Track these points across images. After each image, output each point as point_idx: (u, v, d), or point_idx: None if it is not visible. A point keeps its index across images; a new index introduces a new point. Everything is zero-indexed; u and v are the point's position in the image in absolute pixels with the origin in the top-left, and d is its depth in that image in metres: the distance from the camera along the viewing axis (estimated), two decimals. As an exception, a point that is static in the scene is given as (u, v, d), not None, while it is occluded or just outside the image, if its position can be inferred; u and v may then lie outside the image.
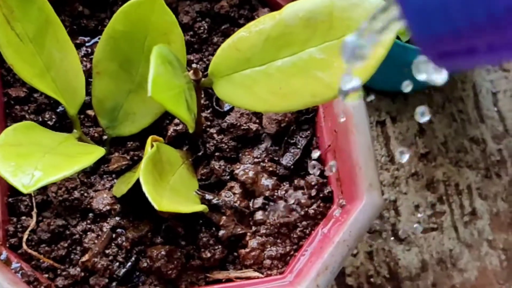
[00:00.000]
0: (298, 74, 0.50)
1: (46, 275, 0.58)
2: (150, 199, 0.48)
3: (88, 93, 0.63)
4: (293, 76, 0.51)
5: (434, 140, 0.85)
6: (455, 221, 0.82)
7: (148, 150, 0.54)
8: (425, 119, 0.49)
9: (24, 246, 0.58)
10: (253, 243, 0.59)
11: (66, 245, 0.59)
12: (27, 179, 0.46)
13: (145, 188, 0.49)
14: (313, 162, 0.62)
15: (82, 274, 0.58)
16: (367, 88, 0.86)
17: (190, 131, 0.50)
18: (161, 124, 0.64)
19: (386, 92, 0.86)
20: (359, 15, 0.49)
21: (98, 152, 0.53)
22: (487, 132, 0.87)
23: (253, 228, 0.60)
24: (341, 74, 0.48)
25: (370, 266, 0.79)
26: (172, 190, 0.55)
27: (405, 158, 0.56)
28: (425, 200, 0.82)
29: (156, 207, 0.48)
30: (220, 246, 0.59)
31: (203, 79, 0.54)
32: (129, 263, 0.58)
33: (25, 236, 0.58)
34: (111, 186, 0.62)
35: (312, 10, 0.50)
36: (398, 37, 0.68)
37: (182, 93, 0.48)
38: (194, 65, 0.52)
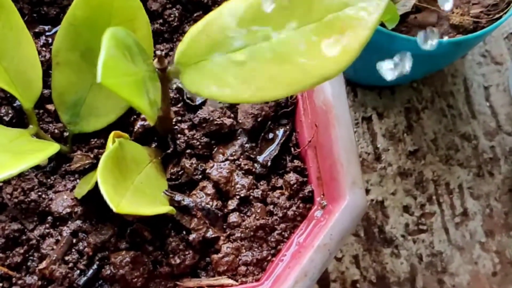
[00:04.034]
0: (274, 60, 0.46)
1: (0, 284, 0.54)
2: (107, 199, 0.44)
3: (48, 86, 0.59)
4: (268, 63, 0.46)
5: (423, 137, 0.82)
6: (446, 223, 0.79)
7: (109, 146, 0.50)
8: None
9: (-24, 253, 0.54)
10: (226, 247, 0.55)
11: (22, 251, 0.55)
12: (-33, 179, 0.42)
13: (102, 188, 0.44)
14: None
15: (40, 283, 0.54)
16: (352, 82, 0.83)
17: (151, 123, 0.45)
18: (128, 119, 0.60)
19: (372, 87, 0.83)
20: (341, -4, 0.44)
21: (51, 148, 0.49)
22: (479, 128, 0.83)
23: (227, 232, 0.56)
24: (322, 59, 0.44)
25: (356, 270, 0.75)
26: (136, 190, 0.50)
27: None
28: (414, 200, 0.79)
29: (113, 208, 0.43)
30: (190, 251, 0.55)
31: (169, 67, 0.49)
32: (91, 271, 0.54)
33: (-23, 242, 0.54)
34: (73, 187, 0.58)
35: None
36: (383, 25, 0.64)
37: (141, 81, 0.43)
38: (158, 52, 0.48)
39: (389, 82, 0.82)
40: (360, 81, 0.82)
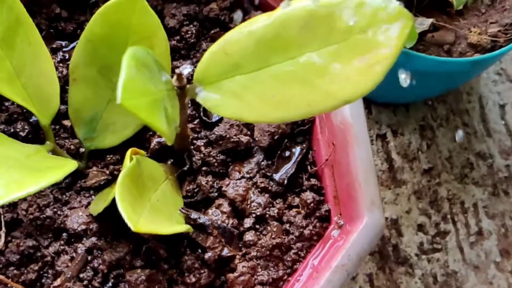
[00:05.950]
0: (294, 81, 0.45)
1: (14, 302, 0.53)
2: (125, 218, 0.43)
3: (65, 101, 0.59)
4: (287, 83, 0.45)
5: (438, 155, 0.81)
6: (461, 242, 0.78)
7: (127, 163, 0.49)
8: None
9: (-10, 269, 0.53)
10: (242, 266, 0.54)
11: (37, 268, 0.54)
12: (-14, 197, 0.41)
13: (120, 206, 0.44)
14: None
15: (54, 300, 0.53)
16: (366, 99, 0.82)
17: (169, 143, 0.45)
18: (144, 135, 0.60)
19: (386, 104, 0.82)
20: (364, 16, 0.43)
21: (69, 166, 0.49)
22: (494, 147, 0.82)
23: (243, 250, 0.55)
24: (343, 81, 0.43)
25: (370, 290, 0.74)
26: (153, 208, 0.50)
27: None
28: (429, 219, 0.78)
29: (131, 227, 0.43)
30: (206, 270, 0.54)
31: (188, 86, 0.49)
32: (106, 289, 0.54)
33: (-8, 258, 0.53)
34: (88, 204, 0.57)
35: (310, 11, 0.45)
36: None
37: (160, 101, 0.43)
38: (177, 71, 0.47)
39: (404, 100, 0.82)
40: (375, 98, 0.82)
